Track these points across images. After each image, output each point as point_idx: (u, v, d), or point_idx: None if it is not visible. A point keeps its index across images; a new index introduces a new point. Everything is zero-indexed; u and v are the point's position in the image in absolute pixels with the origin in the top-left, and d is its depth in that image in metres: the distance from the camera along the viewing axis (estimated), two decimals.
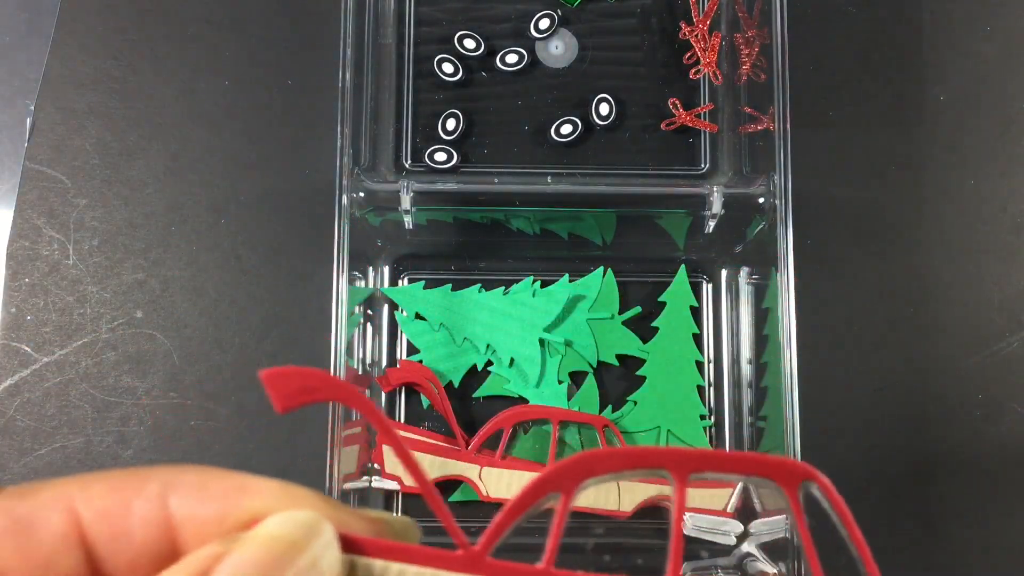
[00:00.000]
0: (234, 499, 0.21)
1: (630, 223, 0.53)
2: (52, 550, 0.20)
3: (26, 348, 0.52)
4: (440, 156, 0.53)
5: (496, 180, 0.50)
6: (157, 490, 0.20)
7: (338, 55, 0.48)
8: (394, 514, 0.22)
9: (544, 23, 0.54)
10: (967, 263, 0.54)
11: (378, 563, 0.21)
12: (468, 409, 0.53)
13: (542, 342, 0.53)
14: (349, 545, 0.21)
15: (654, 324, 0.54)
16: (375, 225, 0.52)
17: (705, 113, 0.54)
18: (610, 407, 0.53)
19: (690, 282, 0.54)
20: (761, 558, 0.49)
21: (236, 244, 0.54)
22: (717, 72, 0.54)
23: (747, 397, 0.52)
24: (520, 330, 0.53)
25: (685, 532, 0.51)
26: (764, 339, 0.51)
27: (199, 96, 0.55)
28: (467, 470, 0.50)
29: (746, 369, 0.52)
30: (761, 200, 0.49)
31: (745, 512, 0.51)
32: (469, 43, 0.54)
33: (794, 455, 0.45)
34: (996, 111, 0.56)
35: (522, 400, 0.53)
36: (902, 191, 0.55)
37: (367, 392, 0.53)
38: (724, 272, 0.54)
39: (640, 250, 0.55)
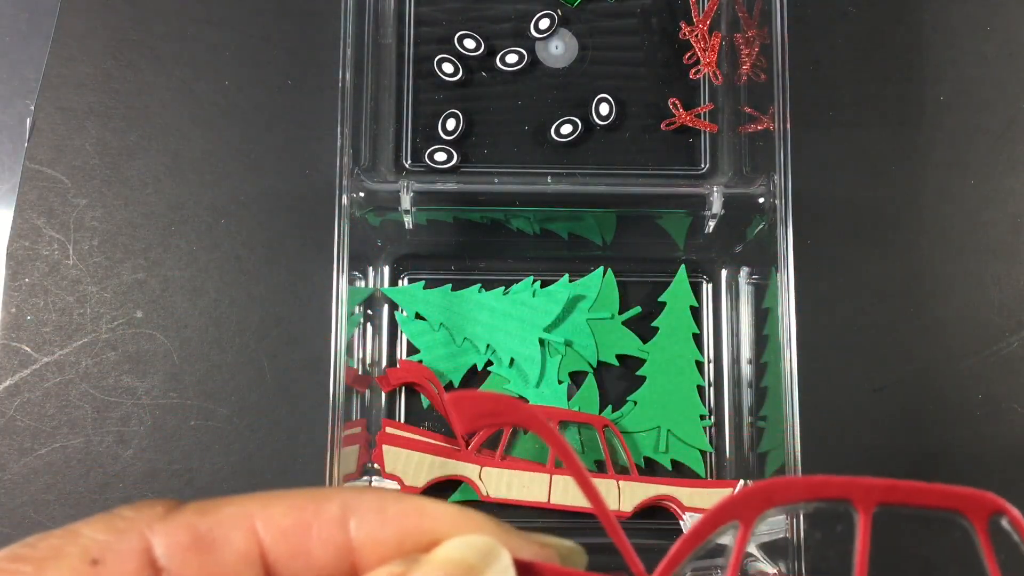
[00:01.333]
0: (413, 522, 0.21)
1: (630, 223, 0.53)
2: (234, 568, 0.20)
3: (26, 348, 0.52)
4: (440, 156, 0.53)
5: (496, 180, 0.50)
6: (337, 512, 0.21)
7: (338, 55, 0.48)
8: (561, 540, 0.22)
9: (544, 23, 0.54)
10: (967, 263, 0.54)
11: None
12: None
13: (542, 342, 0.53)
14: (523, 570, 0.21)
15: (654, 324, 0.54)
16: (375, 225, 0.52)
17: (705, 113, 0.54)
18: (610, 407, 0.53)
19: (690, 282, 0.54)
20: (761, 558, 0.49)
21: (236, 244, 0.54)
22: (717, 72, 0.54)
23: (747, 397, 0.52)
24: (520, 330, 0.53)
25: (685, 532, 0.51)
26: (764, 339, 0.51)
27: (199, 96, 0.55)
28: (467, 470, 0.50)
29: (746, 369, 0.52)
30: (761, 200, 0.49)
31: None
32: (469, 43, 0.54)
33: (794, 455, 0.45)
34: (996, 111, 0.56)
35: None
36: (902, 191, 0.55)
37: (367, 392, 0.53)
38: (724, 272, 0.54)
39: (640, 250, 0.55)
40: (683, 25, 0.54)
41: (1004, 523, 0.21)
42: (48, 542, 0.19)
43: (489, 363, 0.53)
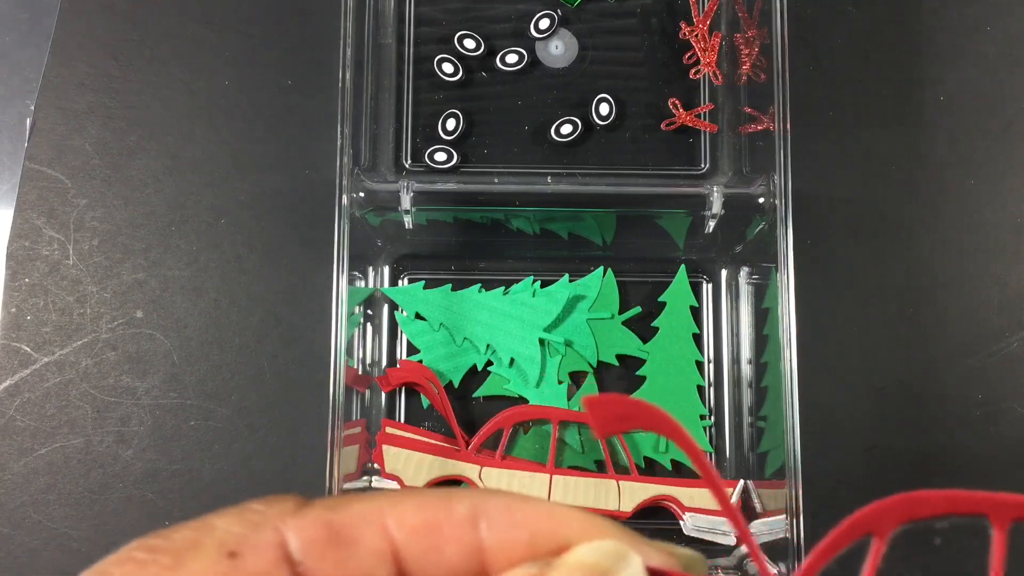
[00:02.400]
0: (544, 525, 0.21)
1: (630, 223, 0.53)
2: (369, 564, 0.20)
3: (26, 348, 0.52)
4: (440, 156, 0.53)
5: (496, 180, 0.50)
6: (467, 512, 0.21)
7: (338, 55, 0.48)
8: (682, 547, 0.22)
9: (544, 23, 0.54)
10: (967, 263, 0.54)
11: None
12: (468, 409, 0.53)
13: (542, 342, 0.53)
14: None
15: (654, 324, 0.54)
16: (375, 225, 0.52)
17: (705, 113, 0.54)
18: None
19: (690, 282, 0.54)
20: None
21: (236, 244, 0.54)
22: (717, 72, 0.54)
23: (747, 397, 0.52)
24: (520, 330, 0.53)
25: (685, 532, 0.51)
26: (764, 339, 0.51)
27: (199, 96, 0.55)
28: (467, 470, 0.50)
29: (746, 369, 0.52)
30: (761, 200, 0.49)
31: (745, 512, 0.51)
32: (469, 43, 0.54)
33: (794, 455, 0.45)
34: (996, 111, 0.55)
35: (522, 400, 0.53)
36: (902, 191, 0.55)
37: (367, 392, 0.53)
38: (724, 272, 0.54)
39: (640, 250, 0.55)
40: (683, 25, 0.54)
41: None
42: (183, 534, 0.20)
43: (489, 363, 0.53)
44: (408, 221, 0.51)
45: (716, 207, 0.50)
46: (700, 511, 0.50)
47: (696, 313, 0.54)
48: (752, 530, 0.50)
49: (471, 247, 0.54)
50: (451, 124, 0.54)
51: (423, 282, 0.54)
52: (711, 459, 0.53)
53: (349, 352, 0.48)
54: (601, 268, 0.54)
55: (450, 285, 0.54)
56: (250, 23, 0.55)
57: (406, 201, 0.50)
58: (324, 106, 0.53)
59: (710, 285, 0.54)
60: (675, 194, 0.51)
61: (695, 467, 0.22)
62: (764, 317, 0.50)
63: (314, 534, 0.20)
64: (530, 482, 0.50)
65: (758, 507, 0.50)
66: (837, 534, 0.21)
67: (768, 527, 0.48)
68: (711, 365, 0.54)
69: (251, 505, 0.21)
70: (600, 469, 0.52)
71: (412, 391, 0.53)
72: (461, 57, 0.54)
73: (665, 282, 0.54)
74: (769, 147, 0.48)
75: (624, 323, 0.54)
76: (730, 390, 0.53)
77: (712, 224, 0.51)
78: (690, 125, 0.54)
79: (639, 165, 0.54)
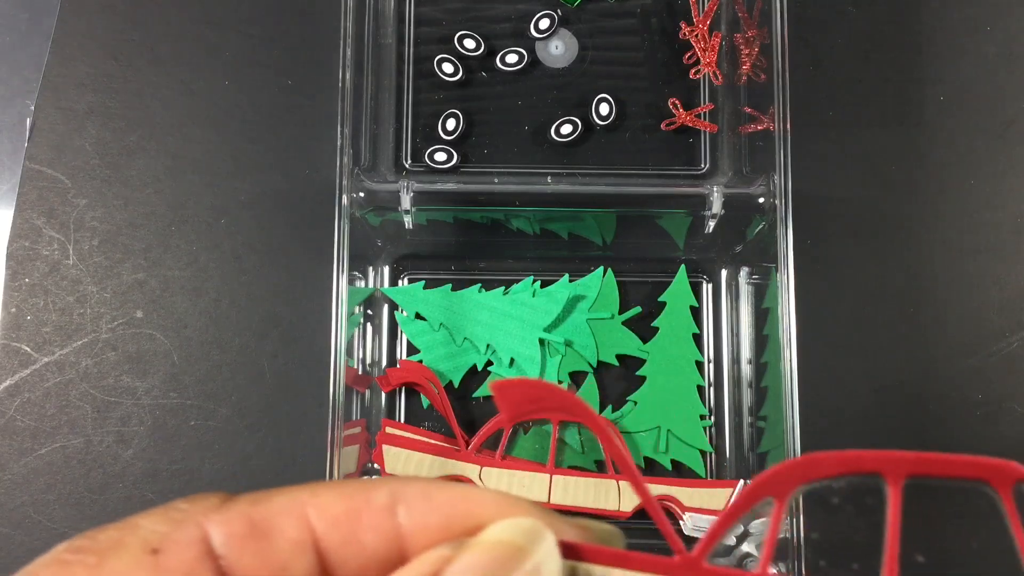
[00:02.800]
0: (459, 508, 0.21)
1: (630, 223, 0.53)
2: (288, 555, 0.21)
3: (26, 348, 0.52)
4: (440, 156, 0.53)
5: (496, 180, 0.50)
6: (385, 499, 0.21)
7: (338, 55, 0.48)
8: (599, 523, 0.22)
9: (544, 23, 0.54)
10: (967, 263, 0.54)
11: (597, 570, 0.21)
12: (468, 409, 0.53)
13: (542, 342, 0.53)
14: (568, 551, 0.21)
15: (654, 324, 0.54)
16: (375, 225, 0.52)
17: (705, 113, 0.54)
18: (610, 407, 0.53)
19: (690, 282, 0.54)
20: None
21: (236, 244, 0.54)
22: (717, 72, 0.54)
23: (747, 397, 0.52)
24: (520, 330, 0.53)
25: (685, 532, 0.51)
26: (764, 339, 0.51)
27: (199, 96, 0.55)
28: (467, 470, 0.50)
29: (746, 369, 0.52)
30: (761, 200, 0.49)
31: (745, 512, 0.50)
32: (469, 43, 0.54)
33: (794, 455, 0.45)
34: (996, 111, 0.55)
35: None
36: (902, 191, 0.55)
37: (367, 392, 0.53)
38: (724, 272, 0.54)
39: (640, 250, 0.55)
40: (683, 25, 0.54)
41: None
42: (107, 534, 0.20)
43: (489, 363, 0.53)
44: (408, 221, 0.51)
45: (716, 207, 0.50)
46: (700, 511, 0.50)
47: (696, 313, 0.54)
48: (752, 530, 0.50)
49: (471, 247, 0.54)
50: (451, 124, 0.54)
51: (423, 282, 0.54)
52: (711, 459, 0.53)
53: (349, 352, 0.48)
54: (601, 268, 0.54)
55: (450, 285, 0.54)
56: (250, 23, 0.55)
57: (406, 201, 0.50)
58: (324, 106, 0.53)
59: (710, 285, 0.54)
60: (675, 194, 0.51)
61: (606, 454, 0.22)
62: (764, 317, 0.50)
63: (235, 528, 0.20)
64: (530, 482, 0.50)
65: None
66: (739, 500, 0.21)
67: (768, 527, 0.48)
68: (711, 365, 0.54)
69: (176, 504, 0.21)
70: (600, 469, 0.52)
71: (412, 391, 0.53)
72: (461, 57, 0.54)
73: (665, 282, 0.54)
74: (769, 147, 0.48)
75: (624, 323, 0.54)
76: (730, 390, 0.53)
77: (712, 224, 0.51)
78: (690, 125, 0.54)
79: (639, 165, 0.54)
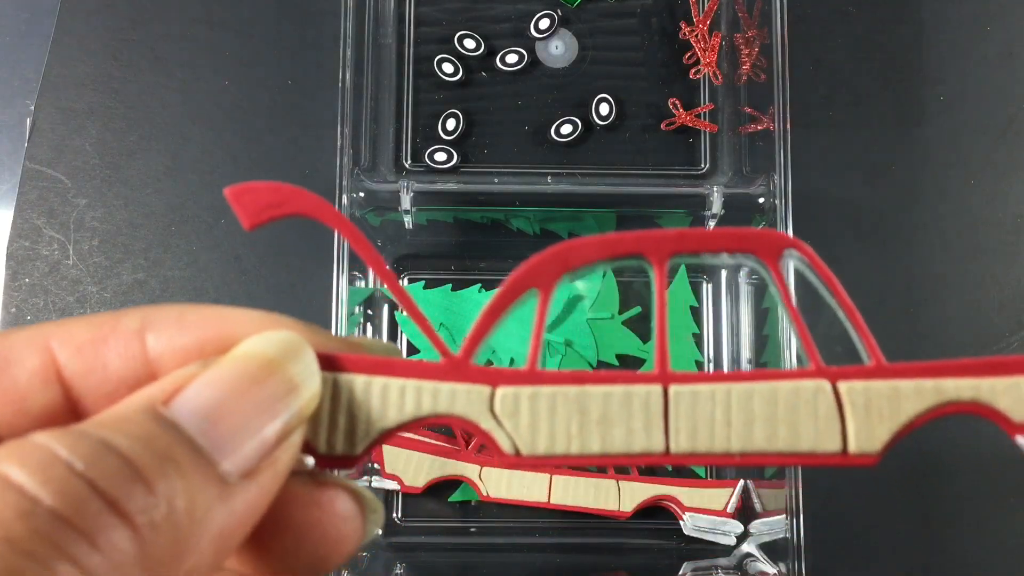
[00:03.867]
0: (213, 328, 0.20)
1: (630, 223, 0.53)
2: (27, 385, 0.20)
3: None
4: (440, 156, 0.53)
5: (496, 180, 0.50)
6: (135, 325, 0.20)
7: (338, 55, 0.48)
8: (378, 339, 0.21)
9: (544, 23, 0.54)
10: (967, 263, 0.54)
11: (360, 380, 0.20)
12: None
13: None
14: (329, 363, 0.20)
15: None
16: (375, 225, 0.52)
17: (705, 113, 0.54)
18: None
19: (690, 282, 0.54)
20: (761, 558, 0.49)
21: (236, 244, 0.54)
22: (717, 72, 0.54)
23: None
24: (520, 330, 0.53)
25: (685, 532, 0.51)
26: (764, 339, 0.51)
27: (199, 96, 0.55)
28: (467, 470, 0.50)
29: (746, 369, 0.52)
30: (761, 200, 0.49)
31: (745, 512, 0.51)
32: (469, 43, 0.54)
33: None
34: (996, 111, 0.56)
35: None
36: (902, 191, 0.55)
37: None
38: (724, 272, 0.54)
39: None
40: (683, 25, 0.54)
41: (796, 258, 0.21)
42: None
43: (489, 363, 0.53)
44: (408, 221, 0.51)
45: (716, 207, 0.50)
46: (700, 511, 0.50)
47: (696, 313, 0.54)
48: (752, 530, 0.50)
49: (471, 247, 0.54)
50: (451, 124, 0.54)
51: (423, 282, 0.54)
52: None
53: None
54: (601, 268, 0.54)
55: (450, 285, 0.54)
56: (250, 23, 0.55)
57: (406, 201, 0.50)
58: (324, 106, 0.53)
59: (710, 285, 0.54)
60: (675, 194, 0.51)
61: (391, 291, 0.21)
62: (764, 317, 0.50)
63: None
64: (530, 482, 0.50)
65: (758, 507, 0.50)
66: (503, 293, 0.21)
67: (768, 527, 0.48)
68: (711, 365, 0.54)
69: None
70: (600, 469, 0.52)
71: None
72: (461, 57, 0.54)
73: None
74: (769, 147, 0.48)
75: (624, 323, 0.54)
76: None
77: (712, 224, 0.51)
78: (690, 125, 0.54)
79: (639, 165, 0.54)
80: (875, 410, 0.23)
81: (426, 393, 0.21)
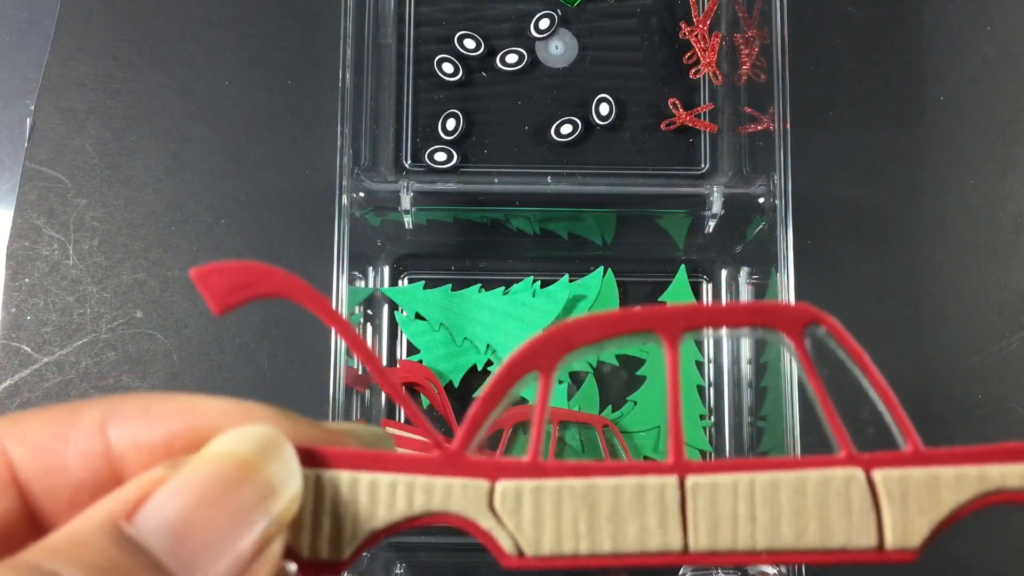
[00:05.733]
0: (181, 420, 0.18)
1: (630, 223, 0.53)
2: None
3: (26, 348, 0.52)
4: (440, 156, 0.53)
5: (496, 180, 0.50)
6: (96, 420, 0.18)
7: (338, 55, 0.48)
8: (364, 424, 0.20)
9: (544, 23, 0.54)
10: (967, 263, 0.54)
11: (345, 476, 0.19)
12: (468, 409, 0.53)
13: None
14: (311, 459, 0.19)
15: None
16: (375, 225, 0.52)
17: (705, 113, 0.54)
18: (610, 407, 0.53)
19: (690, 282, 0.54)
20: None
21: (236, 244, 0.54)
22: (717, 72, 0.54)
23: (747, 397, 0.52)
24: (520, 330, 0.53)
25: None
26: (763, 341, 0.51)
27: (199, 96, 0.55)
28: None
29: (746, 369, 0.52)
30: (761, 200, 0.49)
31: None
32: (469, 43, 0.54)
33: (794, 455, 0.45)
34: (996, 111, 0.55)
35: (522, 400, 0.53)
36: (902, 191, 0.55)
37: (367, 393, 0.53)
38: (724, 272, 0.54)
39: (640, 250, 0.55)
40: (683, 25, 0.54)
41: (821, 334, 0.19)
42: None
43: (489, 363, 0.53)
44: (408, 221, 0.51)
45: (716, 207, 0.50)
46: None
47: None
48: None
49: (471, 247, 0.54)
50: (451, 124, 0.54)
51: (423, 282, 0.54)
52: (710, 459, 0.53)
53: (349, 352, 0.48)
54: (601, 268, 0.54)
55: (450, 285, 0.54)
56: (250, 23, 0.55)
57: (406, 201, 0.50)
58: (324, 106, 0.53)
59: (710, 285, 0.54)
60: (675, 194, 0.51)
61: (357, 356, 0.20)
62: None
63: None
64: None
65: None
66: (499, 377, 0.19)
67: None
68: (711, 365, 0.54)
69: None
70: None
71: (412, 391, 0.53)
72: (461, 57, 0.54)
73: (665, 282, 0.54)
74: (769, 147, 0.48)
75: None
76: (730, 390, 0.53)
77: (712, 224, 0.51)
78: (690, 125, 0.54)
79: (639, 165, 0.54)
80: (913, 501, 0.20)
81: (419, 489, 0.19)
